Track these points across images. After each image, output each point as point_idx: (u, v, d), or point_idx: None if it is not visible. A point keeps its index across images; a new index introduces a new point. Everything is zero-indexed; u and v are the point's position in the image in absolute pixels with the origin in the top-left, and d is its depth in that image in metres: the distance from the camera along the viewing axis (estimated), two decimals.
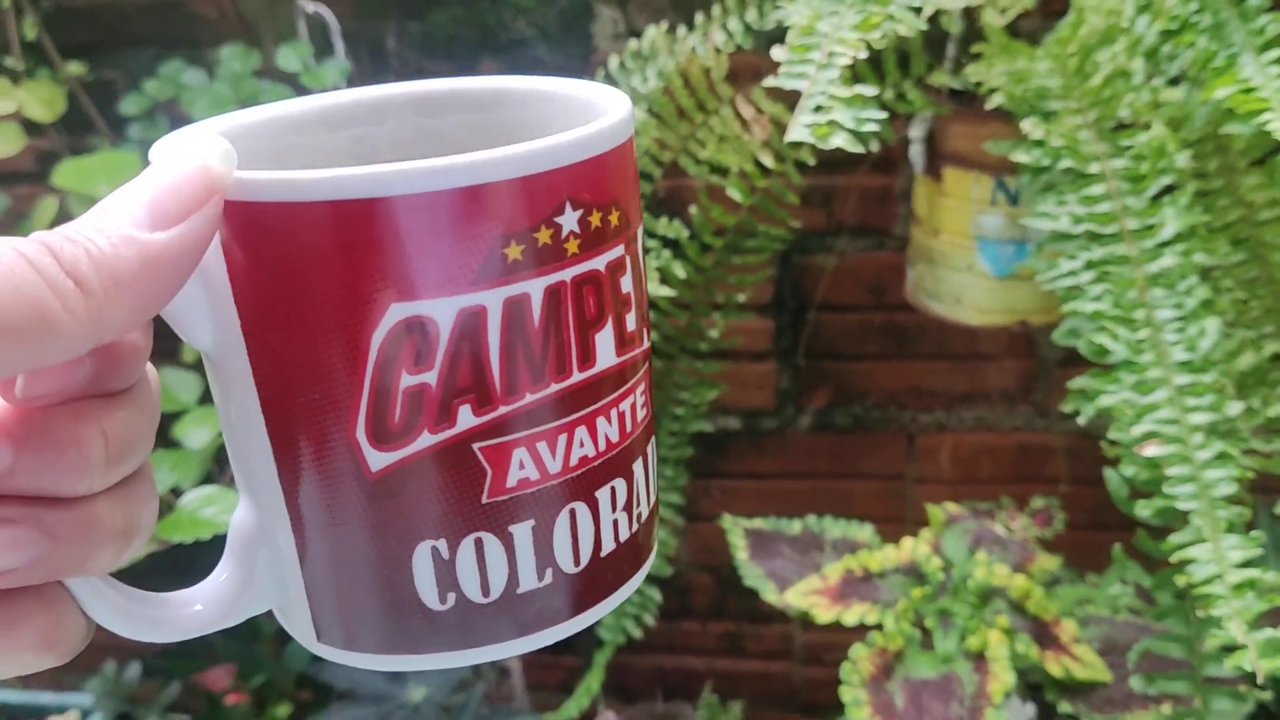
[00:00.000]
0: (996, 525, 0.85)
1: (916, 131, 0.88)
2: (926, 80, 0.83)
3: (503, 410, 0.24)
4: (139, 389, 0.24)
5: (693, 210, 0.86)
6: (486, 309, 0.23)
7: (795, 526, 0.89)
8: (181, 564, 0.74)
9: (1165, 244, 0.54)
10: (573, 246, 0.24)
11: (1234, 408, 0.50)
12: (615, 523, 0.27)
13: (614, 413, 0.26)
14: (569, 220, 0.24)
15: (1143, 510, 0.53)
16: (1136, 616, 0.76)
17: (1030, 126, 0.59)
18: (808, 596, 0.77)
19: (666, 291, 0.81)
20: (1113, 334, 0.53)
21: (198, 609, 0.26)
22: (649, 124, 0.79)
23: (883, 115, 0.47)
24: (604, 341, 0.26)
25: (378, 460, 0.24)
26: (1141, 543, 0.57)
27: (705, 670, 1.28)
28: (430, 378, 0.24)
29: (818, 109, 0.46)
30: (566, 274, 0.24)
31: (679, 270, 0.83)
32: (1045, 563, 0.77)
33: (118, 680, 1.25)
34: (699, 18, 0.82)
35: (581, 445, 0.26)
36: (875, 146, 0.79)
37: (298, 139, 0.29)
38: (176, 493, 0.71)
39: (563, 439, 0.25)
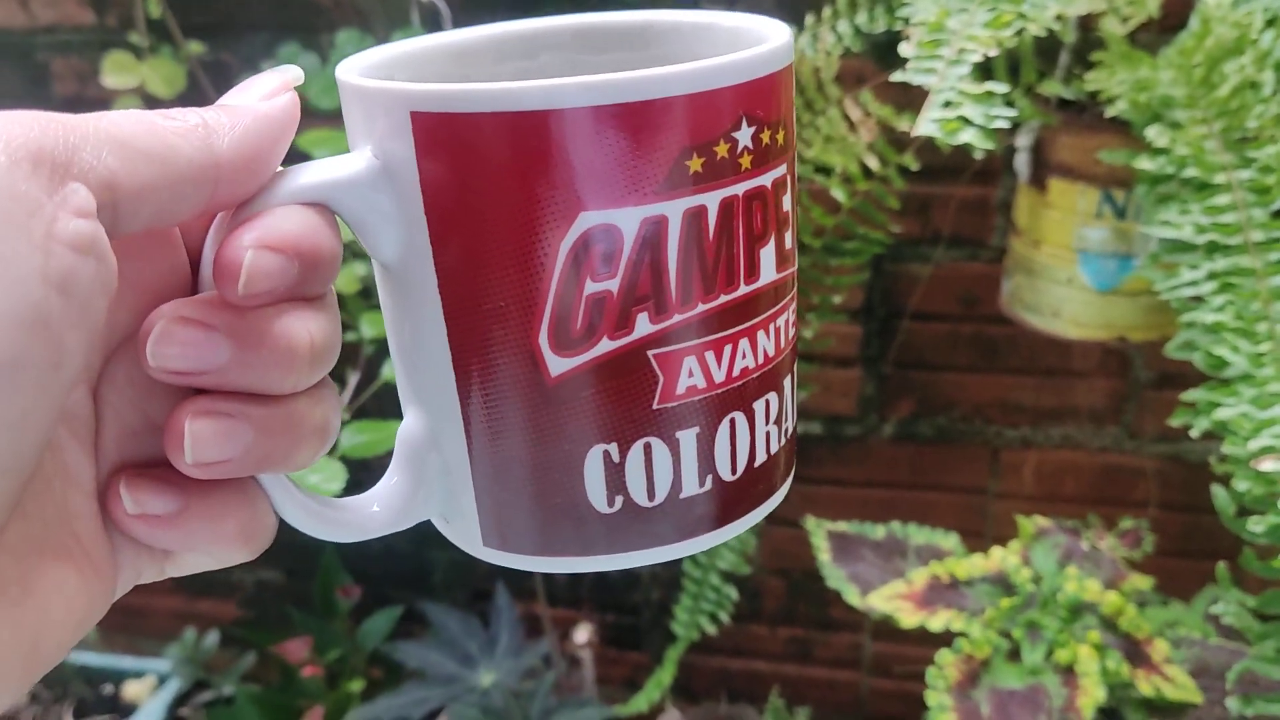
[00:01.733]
0: (1084, 543, 0.84)
1: (1023, 141, 0.87)
2: (1036, 89, 0.82)
3: (677, 319, 0.25)
4: (331, 297, 0.25)
5: None
6: (668, 219, 0.24)
7: (879, 531, 0.89)
8: None
9: None
10: (746, 162, 0.25)
11: None
12: (768, 435, 0.28)
13: (772, 327, 0.27)
14: (744, 135, 0.25)
15: (1255, 527, 0.52)
16: (1228, 641, 0.75)
17: (1155, 134, 0.58)
18: (892, 600, 0.77)
19: None
20: (1233, 346, 0.52)
21: (375, 510, 0.27)
22: None
23: (1013, 113, 0.47)
24: (767, 257, 0.26)
25: (558, 366, 0.25)
26: (1248, 562, 0.56)
27: (771, 674, 1.28)
28: (613, 285, 0.24)
29: (947, 104, 0.46)
30: (739, 188, 0.25)
31: None
32: (1137, 581, 0.75)
33: (196, 648, 1.28)
34: (809, 19, 0.82)
35: (744, 357, 0.26)
36: (980, 155, 0.79)
37: (458, 69, 0.30)
38: None
39: (728, 349, 0.26)
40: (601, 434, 0.26)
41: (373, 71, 0.27)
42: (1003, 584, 0.74)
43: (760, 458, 0.28)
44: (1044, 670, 0.68)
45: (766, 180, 0.26)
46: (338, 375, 0.88)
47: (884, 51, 0.84)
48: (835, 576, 0.84)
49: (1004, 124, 0.47)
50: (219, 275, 0.22)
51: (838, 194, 0.81)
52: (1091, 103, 0.80)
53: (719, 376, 0.26)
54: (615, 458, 0.26)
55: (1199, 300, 0.54)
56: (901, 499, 1.15)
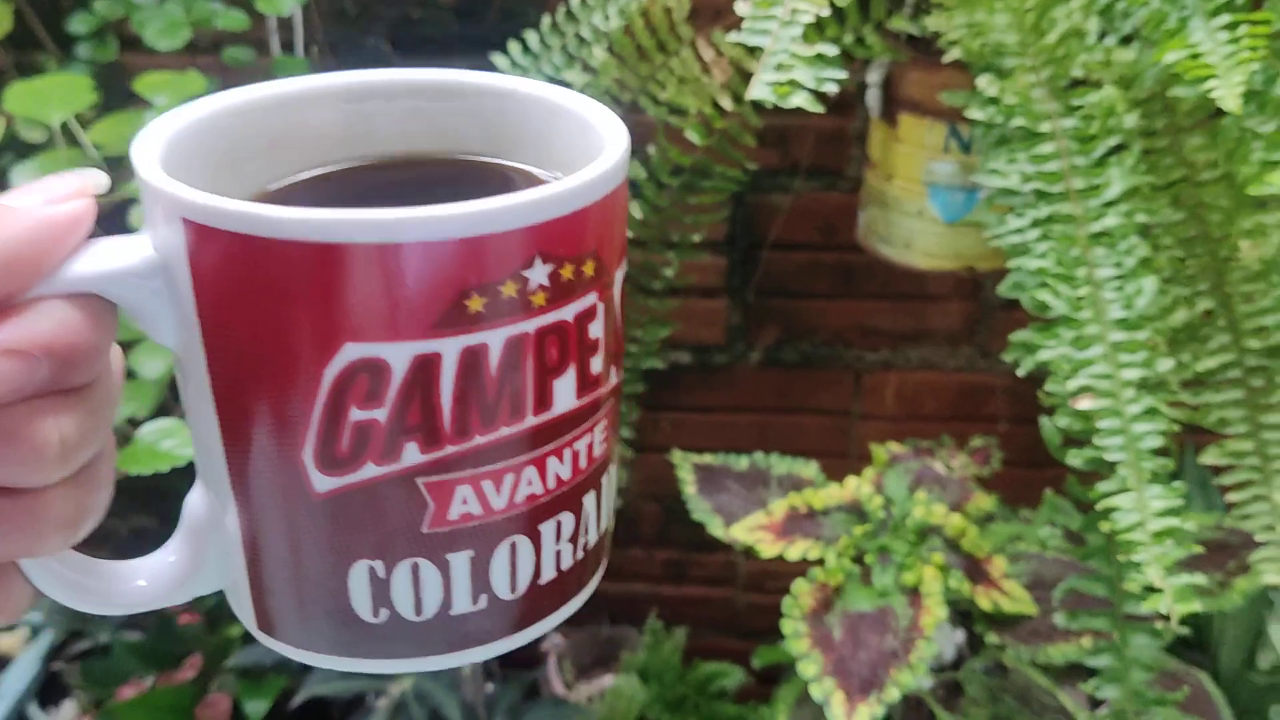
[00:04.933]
0: (937, 463, 0.88)
1: (874, 76, 0.88)
2: (886, 25, 0.84)
3: (450, 450, 0.25)
4: (97, 384, 0.24)
5: (650, 150, 0.86)
6: (442, 356, 0.23)
7: (742, 462, 0.92)
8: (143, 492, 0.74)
9: (1110, 204, 0.55)
10: (539, 299, 0.24)
11: (1165, 364, 0.53)
12: (558, 553, 0.28)
13: (568, 452, 0.27)
14: (537, 274, 0.24)
15: (1074, 459, 0.55)
16: (1063, 553, 0.80)
17: (985, 84, 0.60)
18: (753, 532, 0.79)
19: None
20: (1054, 291, 0.55)
21: (141, 584, 0.27)
22: (609, 63, 0.80)
23: (843, 75, 0.48)
24: (564, 387, 0.26)
25: (323, 483, 0.25)
26: (1071, 488, 0.60)
27: (650, 596, 1.32)
28: (380, 415, 0.24)
29: (779, 67, 0.47)
30: (530, 325, 0.24)
31: (635, 210, 0.84)
32: (981, 502, 0.80)
33: None
34: None
35: (529, 484, 0.26)
36: (833, 89, 0.80)
37: (295, 115, 0.30)
38: (134, 423, 0.71)
39: (509, 478, 0.26)
40: (367, 551, 0.26)
41: (188, 133, 0.26)
42: (857, 512, 0.78)
43: (547, 575, 0.28)
44: (892, 593, 0.71)
45: (567, 314, 0.25)
46: None
47: None
48: (701, 509, 0.87)
49: (834, 87, 0.48)
50: None
51: (692, 136, 0.81)
52: (937, 40, 0.81)
53: (498, 504, 0.26)
54: (381, 574, 0.26)
55: (1024, 246, 0.57)
56: (769, 423, 1.19)
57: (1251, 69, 0.50)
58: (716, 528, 0.84)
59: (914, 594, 0.71)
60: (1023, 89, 0.59)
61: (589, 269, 0.25)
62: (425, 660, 0.27)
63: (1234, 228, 0.57)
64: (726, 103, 0.81)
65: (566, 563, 0.28)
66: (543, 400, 0.25)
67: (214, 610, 1.19)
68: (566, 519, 0.27)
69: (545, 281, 0.24)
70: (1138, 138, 0.59)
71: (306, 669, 1.10)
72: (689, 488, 0.89)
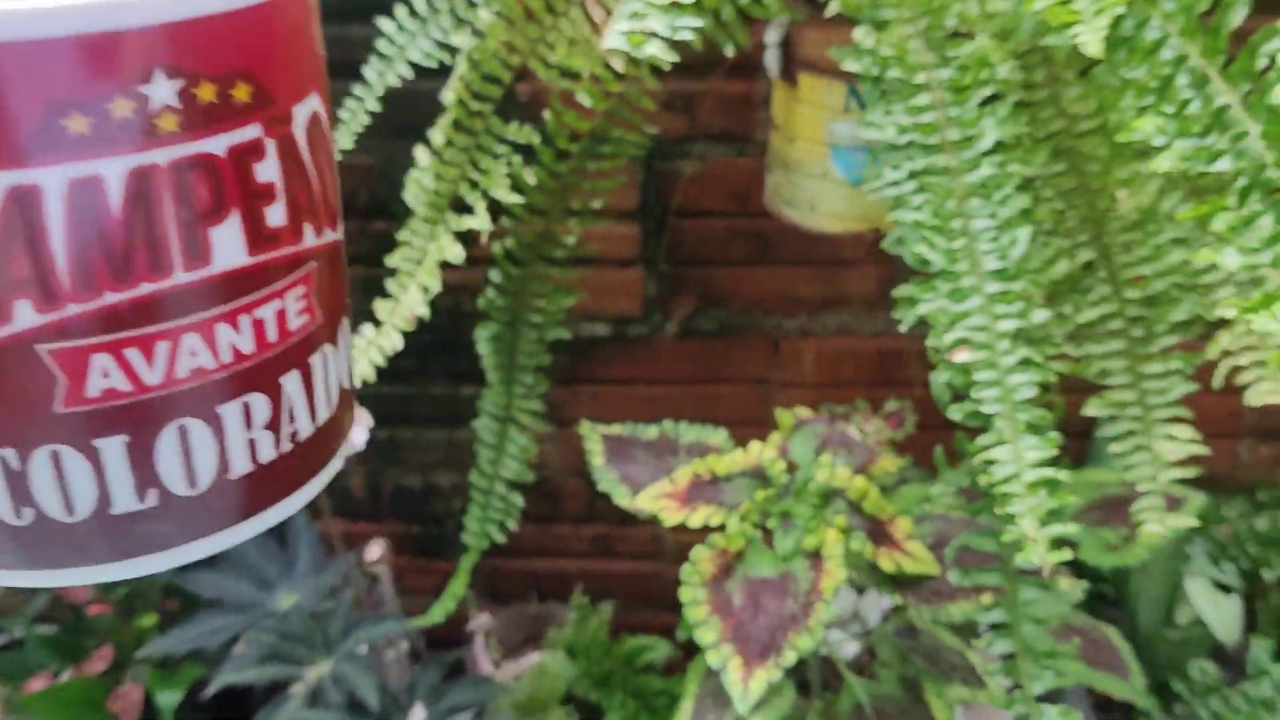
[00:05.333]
0: (851, 428, 0.88)
1: (772, 36, 0.87)
2: None
3: (74, 310, 0.21)
4: None
5: (546, 115, 0.85)
6: (42, 189, 0.20)
7: (651, 431, 0.91)
8: None
9: (984, 154, 0.55)
10: (168, 124, 0.21)
11: (1040, 315, 0.52)
12: (252, 443, 0.25)
13: (245, 319, 0.23)
14: (161, 91, 0.20)
15: (955, 414, 0.55)
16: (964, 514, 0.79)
17: (862, 35, 0.59)
18: (658, 500, 0.78)
19: (518, 199, 0.80)
20: (931, 243, 0.54)
21: None
22: (497, 26, 0.78)
23: (698, 23, 0.47)
24: (225, 238, 0.22)
25: None
26: (959, 444, 0.60)
27: (578, 572, 1.31)
28: None
29: (633, 16, 0.46)
30: (160, 155, 0.21)
31: (531, 177, 0.82)
32: (887, 464, 0.79)
33: None
34: None
35: (193, 355, 0.23)
36: (731, 52, 0.79)
37: None
38: None
39: (163, 347, 0.22)
40: None
41: None
42: (760, 477, 0.77)
43: (239, 468, 0.24)
44: (794, 557, 0.71)
45: (215, 147, 0.21)
46: None
47: None
48: (607, 479, 0.86)
49: (689, 35, 0.47)
50: None
51: (585, 99, 0.80)
52: None
53: (152, 378, 0.22)
54: (14, 464, 0.22)
55: (902, 199, 0.56)
56: (689, 394, 1.18)
57: (1117, 13, 0.49)
58: (623, 498, 0.83)
59: (815, 558, 0.70)
60: (899, 40, 0.58)
61: (241, 94, 0.22)
62: (94, 570, 0.24)
63: (1111, 178, 0.57)
64: (618, 64, 0.79)
65: (266, 454, 0.25)
66: (195, 252, 0.22)
67: (125, 601, 1.16)
68: (258, 402, 0.24)
69: (174, 102, 0.21)
70: (1017, 89, 0.59)
71: (221, 657, 1.08)
72: (597, 459, 0.88)
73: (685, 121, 1.03)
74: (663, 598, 1.32)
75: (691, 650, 1.17)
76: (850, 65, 0.59)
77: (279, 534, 1.16)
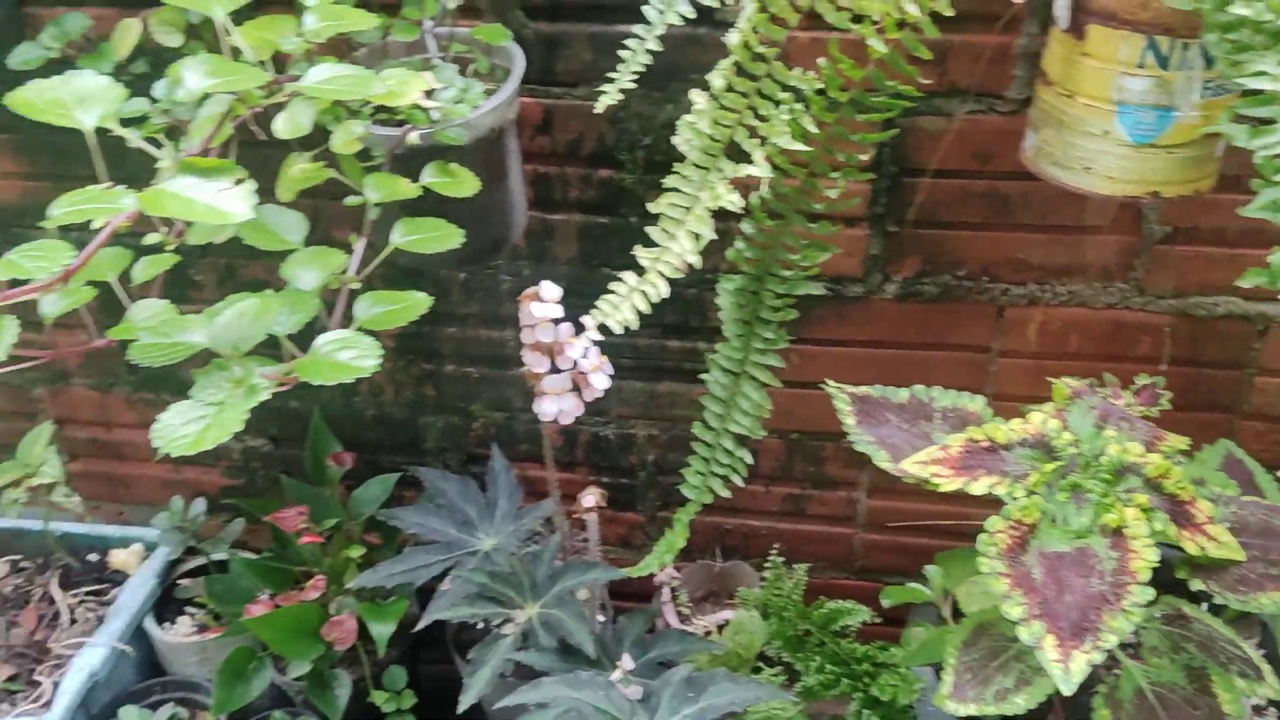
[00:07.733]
0: (1122, 402, 0.84)
1: None
2: None
3: None
4: None
5: (821, 63, 0.81)
6: None
7: (902, 395, 0.88)
8: None
9: None
10: None
11: None
12: None
13: None
14: None
15: None
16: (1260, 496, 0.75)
17: None
18: (928, 466, 0.76)
19: (802, 147, 0.77)
20: None
21: None
22: None
23: None
24: None
25: None
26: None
27: (766, 531, 1.29)
28: None
29: None
30: None
31: (810, 125, 0.79)
32: (1174, 442, 0.75)
33: (184, 515, 1.25)
34: None
35: None
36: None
37: None
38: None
39: None
40: None
41: None
42: (1043, 447, 0.74)
43: None
44: (1090, 533, 0.67)
45: None
46: (343, 243, 0.83)
47: None
48: (863, 441, 0.83)
49: None
50: None
51: (875, 43, 0.77)
52: None
53: None
54: None
55: None
56: (902, 359, 1.14)
57: None
58: (883, 460, 0.80)
59: (1116, 535, 0.67)
60: None
61: None
62: None
63: None
64: (912, 9, 0.76)
65: None
66: None
67: (329, 532, 1.17)
68: None
69: None
70: None
71: (428, 595, 1.09)
72: (849, 419, 0.85)
73: (934, 75, 0.98)
74: (848, 562, 1.30)
75: (891, 618, 1.14)
76: (1238, 9, 0.55)
77: (477, 477, 1.16)
